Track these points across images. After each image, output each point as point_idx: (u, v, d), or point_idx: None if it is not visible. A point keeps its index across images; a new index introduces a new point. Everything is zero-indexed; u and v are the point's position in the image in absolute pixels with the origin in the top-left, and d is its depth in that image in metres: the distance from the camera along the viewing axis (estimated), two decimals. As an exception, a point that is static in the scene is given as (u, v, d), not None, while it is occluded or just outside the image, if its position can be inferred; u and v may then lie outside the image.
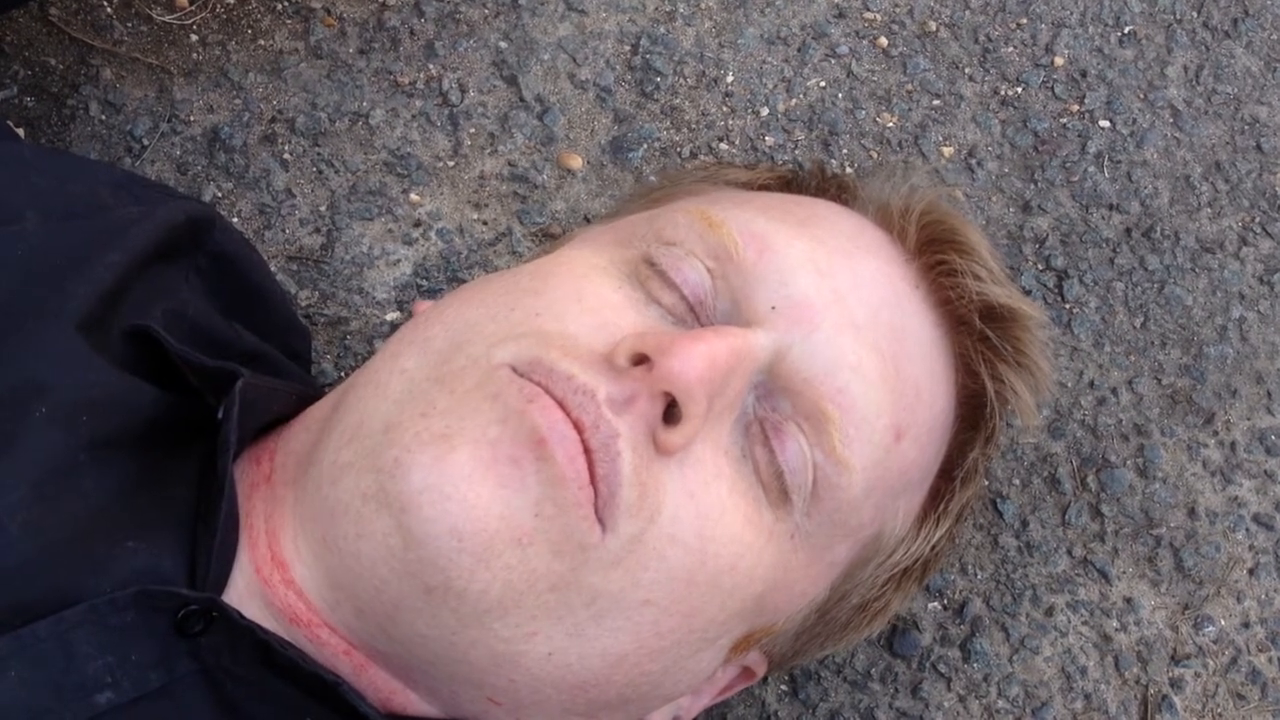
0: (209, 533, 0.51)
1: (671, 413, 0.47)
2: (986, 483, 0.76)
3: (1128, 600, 0.75)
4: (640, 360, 0.47)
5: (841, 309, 0.51)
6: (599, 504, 0.45)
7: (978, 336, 0.56)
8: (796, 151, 0.83)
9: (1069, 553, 0.75)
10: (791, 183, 0.62)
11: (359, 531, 0.46)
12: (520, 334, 0.48)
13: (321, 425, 0.53)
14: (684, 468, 0.47)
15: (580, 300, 0.50)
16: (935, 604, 0.74)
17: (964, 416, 0.57)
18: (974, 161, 0.84)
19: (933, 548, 0.58)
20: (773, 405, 0.50)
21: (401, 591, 0.46)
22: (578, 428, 0.45)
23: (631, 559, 0.46)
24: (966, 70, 0.87)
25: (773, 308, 0.50)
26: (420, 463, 0.45)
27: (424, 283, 0.77)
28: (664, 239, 0.53)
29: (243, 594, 0.51)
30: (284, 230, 0.78)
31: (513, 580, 0.45)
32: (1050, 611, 0.74)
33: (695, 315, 0.51)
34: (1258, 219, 0.84)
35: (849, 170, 0.83)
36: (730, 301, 0.51)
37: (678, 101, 0.84)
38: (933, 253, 0.56)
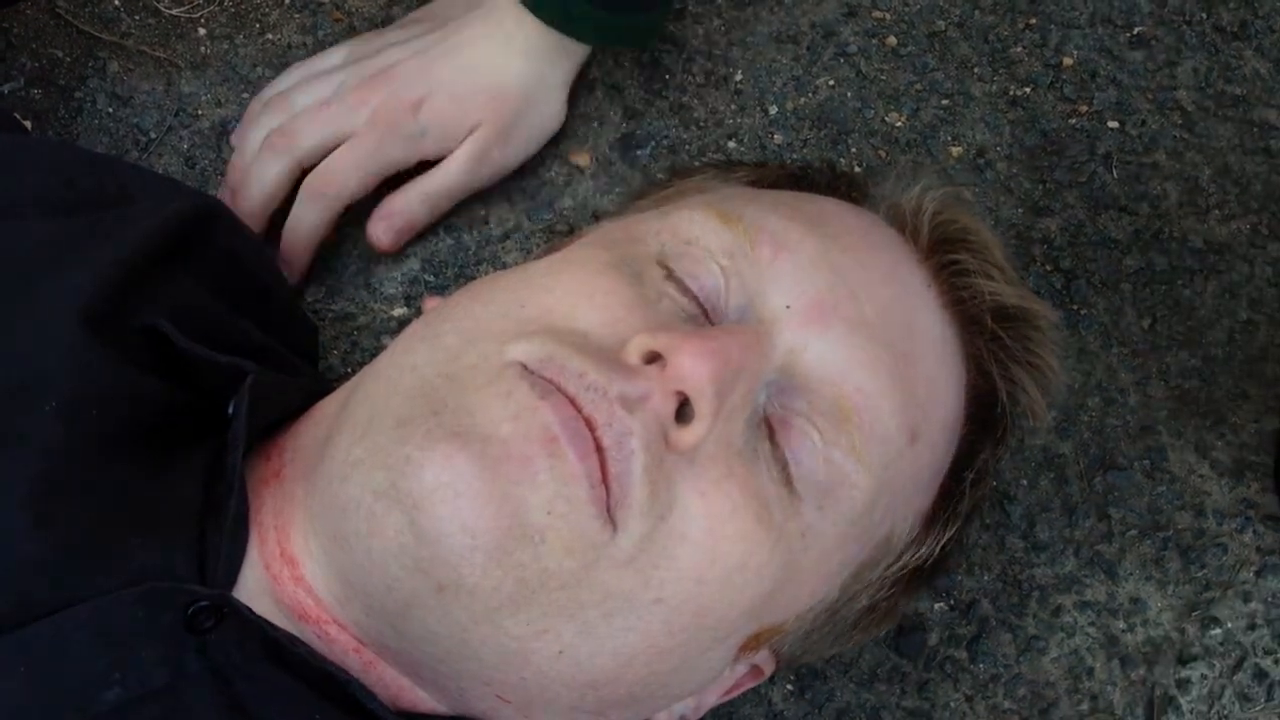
0: (218, 530, 0.50)
1: (684, 411, 0.47)
2: (994, 483, 0.76)
3: (1135, 601, 0.74)
4: (653, 358, 0.47)
5: (855, 307, 0.51)
6: (611, 502, 0.45)
7: (989, 336, 0.56)
8: (805, 150, 0.83)
9: (1076, 553, 0.75)
10: (801, 180, 0.62)
11: (370, 529, 0.46)
12: (532, 331, 0.48)
13: (332, 421, 0.52)
14: (695, 466, 0.47)
15: (592, 297, 0.50)
16: (942, 604, 0.73)
17: (974, 417, 0.57)
18: (983, 162, 0.84)
19: (942, 548, 0.58)
20: (786, 404, 0.50)
21: (413, 589, 0.45)
22: (590, 425, 0.45)
23: (643, 558, 0.46)
24: (975, 70, 0.87)
25: (787, 306, 0.50)
26: (432, 459, 0.44)
27: (432, 278, 0.77)
28: (677, 236, 0.53)
29: (251, 591, 0.50)
30: (292, 225, 0.77)
31: (525, 578, 0.45)
32: (1057, 612, 0.74)
33: (707, 314, 0.51)
34: (1266, 221, 0.84)
35: (858, 169, 0.83)
36: (744, 298, 0.51)
37: (686, 99, 0.84)
38: (945, 252, 0.56)
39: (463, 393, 0.46)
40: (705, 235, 0.52)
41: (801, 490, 0.50)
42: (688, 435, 0.46)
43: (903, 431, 0.52)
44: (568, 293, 0.50)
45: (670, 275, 0.52)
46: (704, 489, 0.47)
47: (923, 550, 0.57)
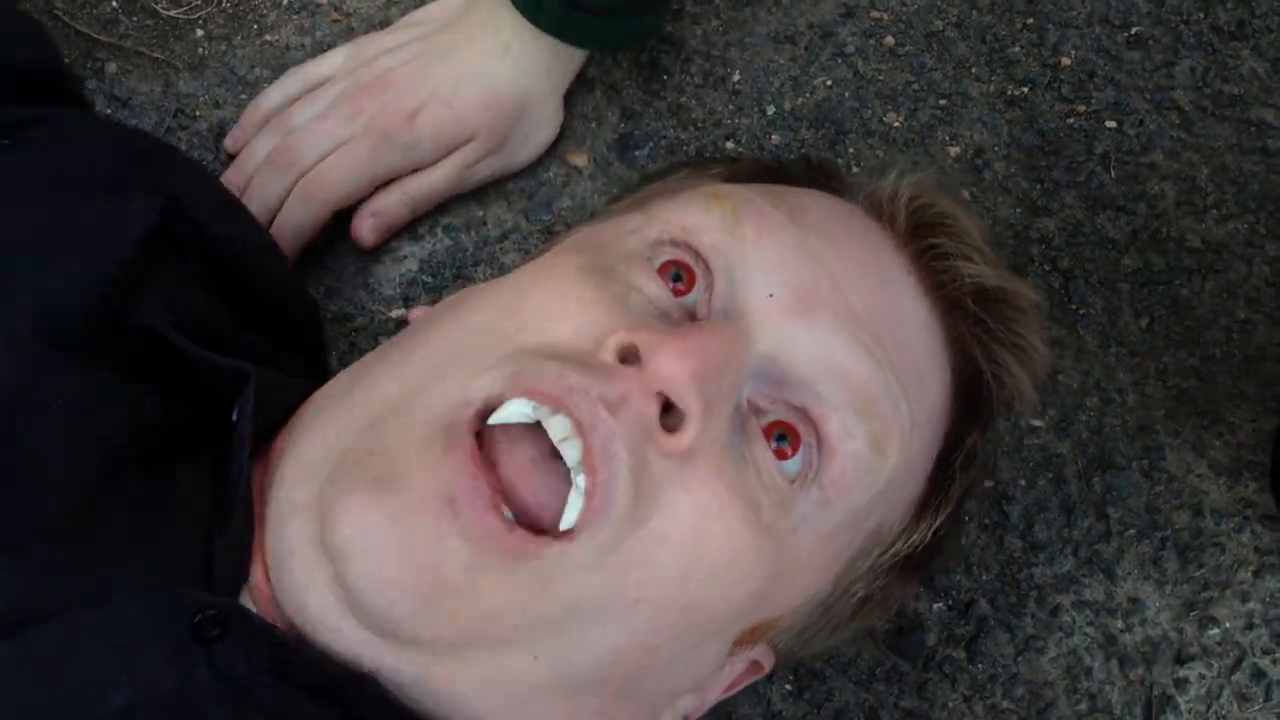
0: (224, 536, 0.50)
1: (669, 412, 0.46)
2: (992, 483, 0.76)
3: (1133, 601, 0.75)
4: (627, 356, 0.46)
5: (839, 297, 0.51)
6: (590, 510, 0.44)
7: (972, 320, 0.56)
8: (803, 150, 0.83)
9: (1074, 553, 0.75)
10: (778, 173, 0.62)
11: (307, 580, 0.45)
12: (501, 356, 0.47)
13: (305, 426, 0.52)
14: (682, 466, 0.46)
15: (564, 304, 0.49)
16: (940, 604, 0.73)
17: (960, 400, 0.57)
18: (980, 162, 0.84)
19: (934, 534, 0.57)
20: (772, 398, 0.50)
21: (359, 638, 0.45)
22: (581, 429, 0.44)
23: (614, 560, 0.45)
24: (973, 70, 0.87)
25: (770, 295, 0.50)
26: (352, 508, 0.44)
27: (430, 279, 0.77)
28: (663, 222, 0.52)
29: (249, 602, 0.50)
30: (290, 226, 0.77)
31: (468, 621, 0.44)
32: (1055, 611, 0.74)
33: (688, 312, 0.51)
34: (1264, 221, 0.84)
35: (855, 169, 0.83)
36: (728, 283, 0.51)
37: (684, 99, 0.84)
38: (923, 237, 0.56)
39: (405, 432, 0.46)
40: (691, 215, 0.52)
41: (790, 485, 0.49)
42: (680, 440, 0.45)
43: (908, 419, 0.51)
44: (538, 307, 0.49)
45: (653, 267, 0.51)
46: (691, 487, 0.46)
47: (914, 537, 0.56)
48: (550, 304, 0.49)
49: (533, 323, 0.48)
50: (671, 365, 0.45)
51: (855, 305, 0.51)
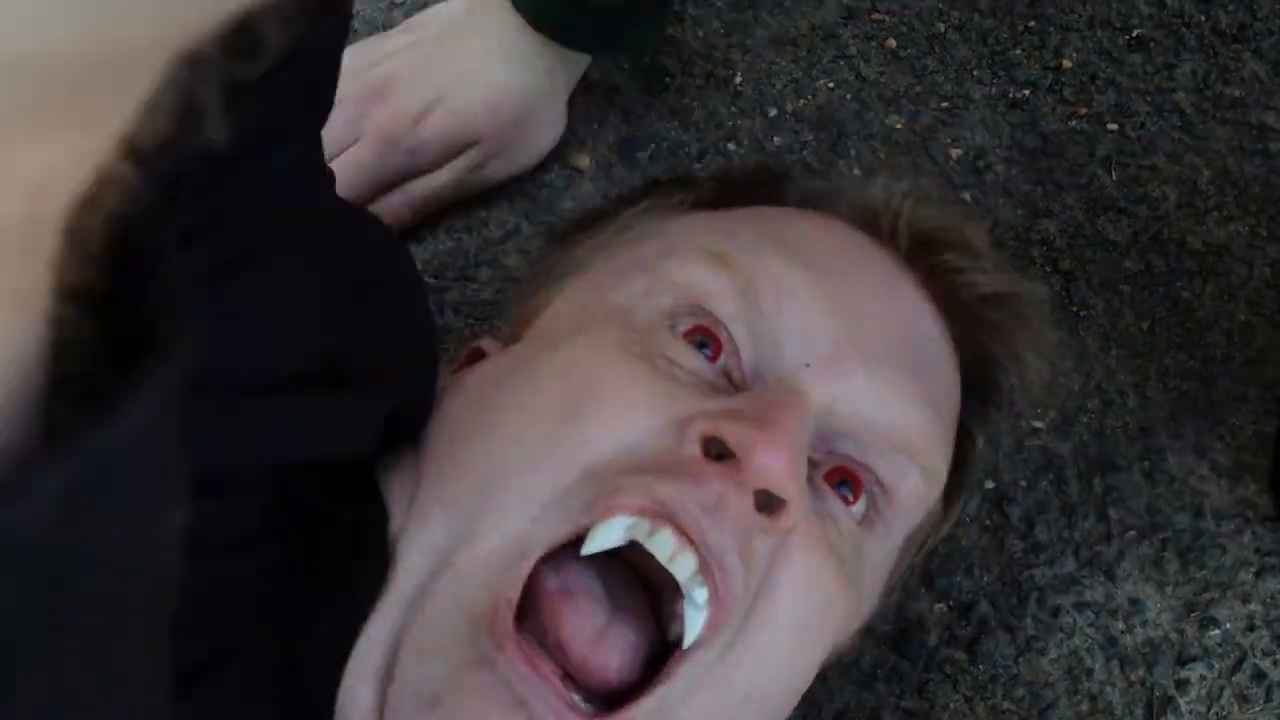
0: None
1: (765, 500, 0.45)
2: (993, 485, 0.76)
3: (1134, 602, 0.75)
4: (711, 449, 0.45)
5: (863, 340, 0.51)
6: (713, 623, 0.44)
7: (989, 326, 0.57)
8: (804, 152, 0.83)
9: (1075, 554, 0.75)
10: (747, 190, 0.61)
11: None
12: (567, 487, 0.45)
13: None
14: (783, 542, 0.46)
15: (624, 398, 0.47)
16: (941, 605, 0.74)
17: (974, 399, 0.58)
18: (982, 164, 0.84)
19: (953, 524, 0.60)
20: (824, 451, 0.50)
21: None
22: (694, 542, 0.44)
23: (720, 670, 0.45)
24: (975, 73, 0.87)
25: (806, 365, 0.49)
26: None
27: (433, 280, 0.77)
28: (675, 289, 0.51)
29: None
30: (293, 227, 0.78)
31: None
32: (1056, 613, 0.74)
33: (724, 375, 0.50)
34: (1264, 223, 0.84)
35: (856, 172, 0.83)
36: (754, 349, 0.50)
37: (686, 101, 0.84)
38: (930, 253, 0.56)
39: (454, 610, 0.44)
40: (700, 279, 0.50)
41: (870, 525, 0.51)
42: (785, 522, 0.45)
43: (945, 439, 0.54)
44: (595, 411, 0.46)
45: (678, 335, 0.50)
46: (793, 561, 0.47)
47: (943, 530, 0.59)
48: (608, 401, 0.46)
49: (593, 429, 0.46)
50: (770, 461, 0.44)
51: (880, 344, 0.51)
